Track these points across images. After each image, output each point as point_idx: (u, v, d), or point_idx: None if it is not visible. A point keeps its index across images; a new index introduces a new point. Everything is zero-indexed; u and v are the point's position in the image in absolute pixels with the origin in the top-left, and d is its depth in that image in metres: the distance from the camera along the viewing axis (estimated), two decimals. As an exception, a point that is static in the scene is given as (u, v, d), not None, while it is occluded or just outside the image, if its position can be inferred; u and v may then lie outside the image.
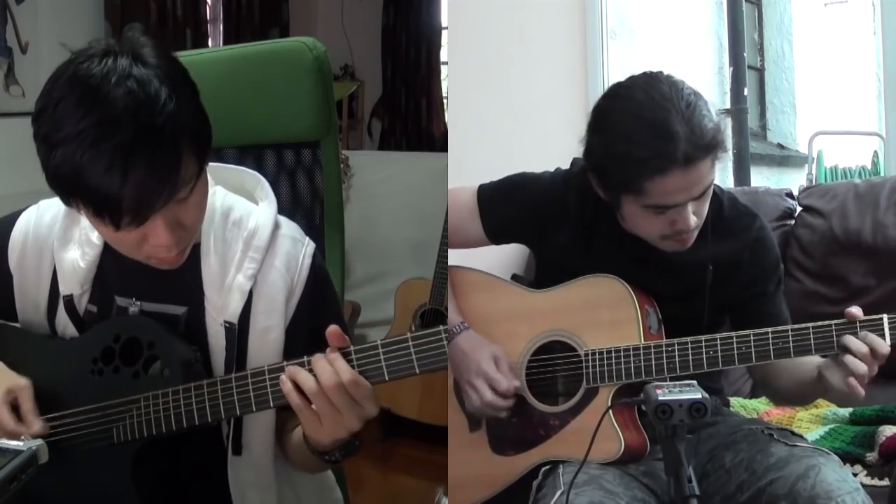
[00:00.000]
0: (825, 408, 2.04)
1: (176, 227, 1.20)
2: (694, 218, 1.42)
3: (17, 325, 1.39)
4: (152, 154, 1.11)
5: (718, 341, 1.43)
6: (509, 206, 1.62)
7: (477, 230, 1.64)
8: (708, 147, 1.37)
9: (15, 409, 1.26)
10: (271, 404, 1.22)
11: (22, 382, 1.28)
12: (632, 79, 1.43)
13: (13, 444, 1.15)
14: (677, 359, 1.45)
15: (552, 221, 1.58)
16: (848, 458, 1.80)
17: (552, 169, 1.64)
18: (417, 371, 1.18)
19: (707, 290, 1.50)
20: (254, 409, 1.23)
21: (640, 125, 1.37)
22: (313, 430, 1.21)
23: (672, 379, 1.43)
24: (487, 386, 1.54)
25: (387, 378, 1.19)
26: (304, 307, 1.33)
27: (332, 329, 1.18)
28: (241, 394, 1.23)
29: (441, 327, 1.17)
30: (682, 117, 1.36)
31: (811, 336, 1.39)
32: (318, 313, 1.34)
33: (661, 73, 1.43)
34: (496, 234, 1.65)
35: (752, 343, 1.41)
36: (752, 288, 1.55)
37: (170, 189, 1.14)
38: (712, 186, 1.45)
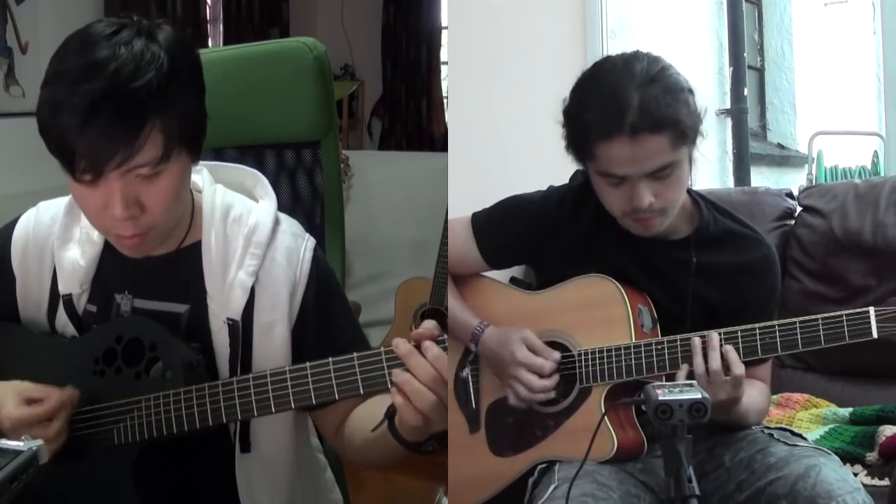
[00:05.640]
0: (825, 408, 2.04)
1: (133, 205, 1.20)
2: (650, 197, 1.41)
3: (19, 325, 1.39)
4: (115, 110, 1.15)
5: None
6: (504, 230, 1.62)
7: (475, 258, 1.65)
8: (659, 122, 1.36)
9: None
10: (273, 409, 1.22)
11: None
12: (620, 54, 1.46)
13: (13, 444, 1.15)
14: (667, 357, 1.45)
15: (548, 239, 1.58)
16: (848, 458, 1.80)
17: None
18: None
19: (698, 306, 1.50)
20: (255, 413, 1.23)
21: (596, 91, 1.41)
22: (416, 423, 1.17)
23: (666, 378, 1.43)
24: (530, 374, 1.51)
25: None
26: (310, 301, 1.34)
27: (431, 322, 1.18)
28: (242, 398, 1.23)
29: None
30: (639, 89, 1.37)
31: (798, 332, 1.39)
32: (324, 306, 1.35)
33: (648, 54, 1.44)
34: (494, 259, 1.65)
35: (740, 340, 1.41)
36: (748, 311, 1.51)
37: (124, 151, 1.16)
38: (680, 172, 1.42)
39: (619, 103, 1.37)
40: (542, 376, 1.50)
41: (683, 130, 1.39)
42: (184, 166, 1.25)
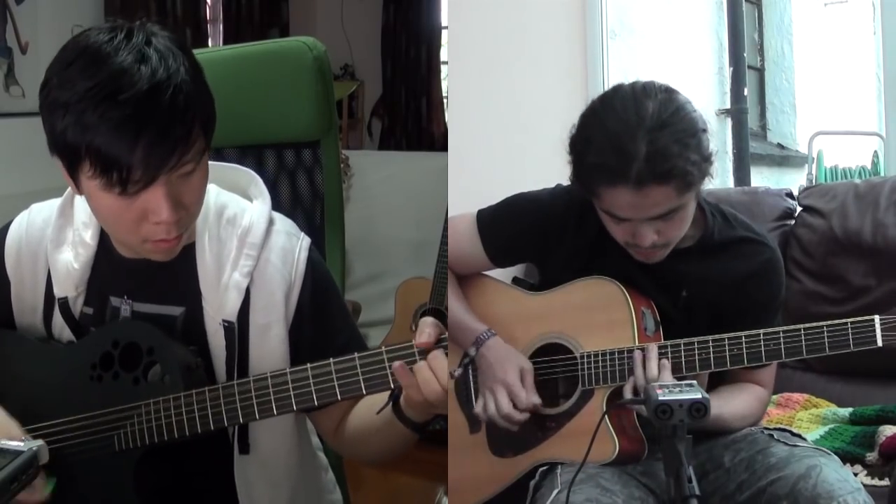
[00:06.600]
0: (825, 408, 2.04)
1: (178, 206, 1.18)
2: (653, 237, 1.40)
3: (15, 330, 1.38)
4: (166, 111, 1.11)
5: (711, 344, 1.43)
6: (509, 228, 1.62)
7: (479, 255, 1.64)
8: (666, 175, 1.33)
9: None
10: (274, 412, 1.22)
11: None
12: (629, 84, 1.41)
13: (13, 444, 1.15)
14: (669, 361, 1.44)
15: (554, 239, 1.57)
16: (848, 458, 1.80)
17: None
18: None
19: (702, 312, 1.50)
20: (256, 416, 1.23)
21: (601, 132, 1.37)
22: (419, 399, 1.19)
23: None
24: (507, 397, 1.51)
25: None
26: (305, 302, 1.33)
27: (429, 320, 1.18)
28: (243, 401, 1.22)
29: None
30: (647, 135, 1.33)
31: (802, 338, 1.39)
32: (320, 307, 1.34)
33: (664, 88, 1.39)
34: (498, 257, 1.65)
35: (744, 345, 1.41)
36: (749, 314, 1.51)
37: (180, 151, 1.14)
38: (685, 212, 1.41)
39: (625, 151, 1.32)
40: (515, 406, 1.50)
41: (691, 181, 1.35)
42: (207, 157, 1.24)
